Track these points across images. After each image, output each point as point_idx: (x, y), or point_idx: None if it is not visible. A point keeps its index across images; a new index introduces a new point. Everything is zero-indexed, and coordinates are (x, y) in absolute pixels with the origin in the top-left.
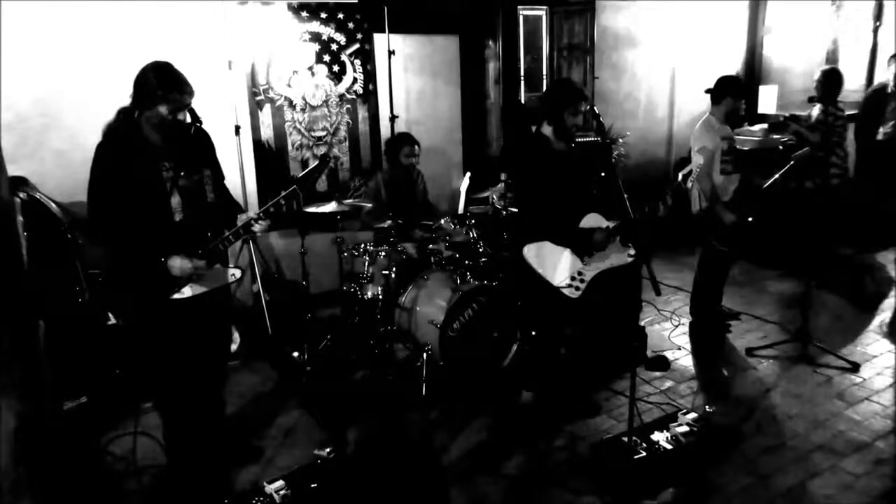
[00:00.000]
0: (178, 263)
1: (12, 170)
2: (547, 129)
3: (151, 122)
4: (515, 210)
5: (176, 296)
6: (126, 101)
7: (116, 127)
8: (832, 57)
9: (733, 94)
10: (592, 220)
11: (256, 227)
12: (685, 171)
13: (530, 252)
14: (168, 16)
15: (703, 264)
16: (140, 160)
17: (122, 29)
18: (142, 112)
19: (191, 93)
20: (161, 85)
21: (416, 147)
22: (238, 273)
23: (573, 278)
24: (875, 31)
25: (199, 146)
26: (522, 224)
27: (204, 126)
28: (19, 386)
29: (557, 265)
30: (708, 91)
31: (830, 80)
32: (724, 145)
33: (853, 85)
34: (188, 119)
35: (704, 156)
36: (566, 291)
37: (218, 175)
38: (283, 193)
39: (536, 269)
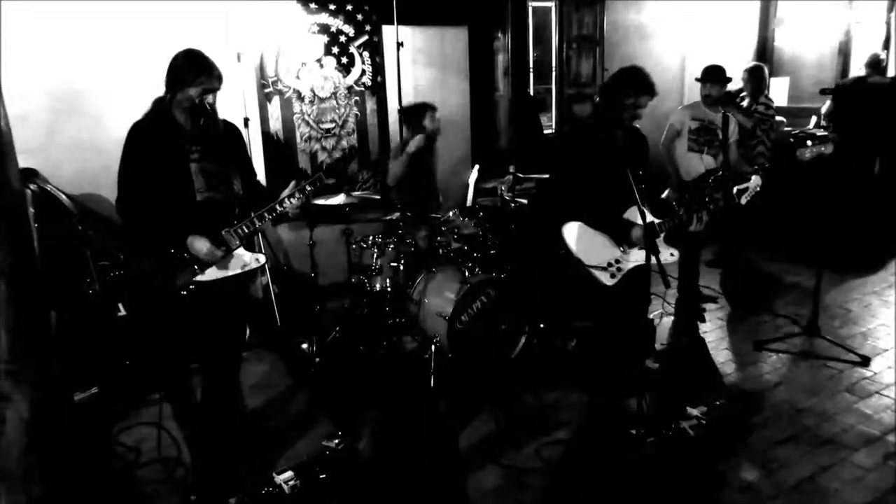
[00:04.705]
0: (197, 243)
1: (25, 161)
2: (600, 115)
3: (183, 105)
4: (546, 193)
5: (199, 277)
6: (136, 93)
7: (150, 110)
8: (844, 48)
9: (700, 80)
10: (631, 215)
11: (292, 203)
12: None
13: (568, 230)
14: (177, 8)
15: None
16: (167, 140)
17: (133, 21)
18: (174, 96)
19: (219, 77)
20: (190, 68)
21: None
22: (262, 258)
23: (610, 264)
24: (888, 21)
25: (228, 141)
26: (560, 206)
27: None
28: (32, 375)
29: (595, 246)
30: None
31: (755, 77)
32: (693, 125)
33: None
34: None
35: (666, 129)
36: (600, 275)
37: (248, 171)
38: (311, 178)
39: (571, 247)
